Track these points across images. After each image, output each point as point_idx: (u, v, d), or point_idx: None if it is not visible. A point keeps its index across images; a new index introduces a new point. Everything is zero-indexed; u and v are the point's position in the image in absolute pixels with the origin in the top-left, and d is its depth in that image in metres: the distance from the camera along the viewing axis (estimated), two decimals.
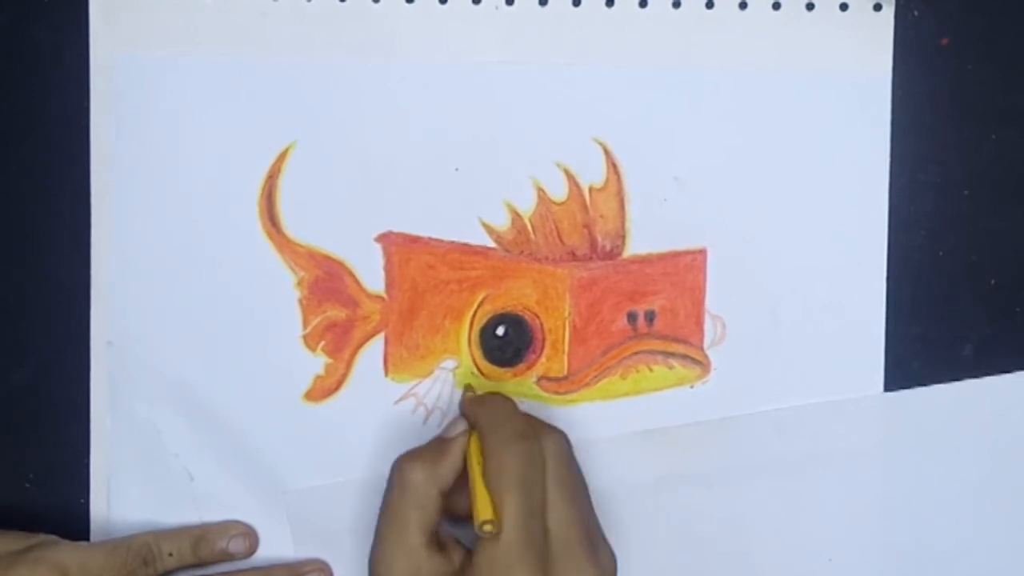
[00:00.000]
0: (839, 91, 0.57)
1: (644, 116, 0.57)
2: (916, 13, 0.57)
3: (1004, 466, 0.58)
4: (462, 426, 0.53)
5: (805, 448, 0.57)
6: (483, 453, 0.51)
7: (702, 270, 0.57)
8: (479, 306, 0.57)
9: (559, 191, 0.57)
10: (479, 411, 0.53)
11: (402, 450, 0.57)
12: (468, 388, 0.56)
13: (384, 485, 0.56)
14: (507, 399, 0.54)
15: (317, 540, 0.57)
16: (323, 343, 0.57)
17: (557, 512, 0.50)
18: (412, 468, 0.51)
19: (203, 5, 0.56)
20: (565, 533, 0.50)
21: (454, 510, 0.52)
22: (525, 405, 0.57)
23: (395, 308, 0.57)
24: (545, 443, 0.51)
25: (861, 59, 0.57)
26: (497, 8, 0.56)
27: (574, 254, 0.57)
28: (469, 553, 0.51)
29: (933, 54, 0.57)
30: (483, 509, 0.49)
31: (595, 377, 0.57)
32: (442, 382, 0.57)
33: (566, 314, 0.57)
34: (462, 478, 0.52)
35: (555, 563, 0.49)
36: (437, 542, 0.51)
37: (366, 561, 0.56)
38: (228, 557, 0.57)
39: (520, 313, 0.57)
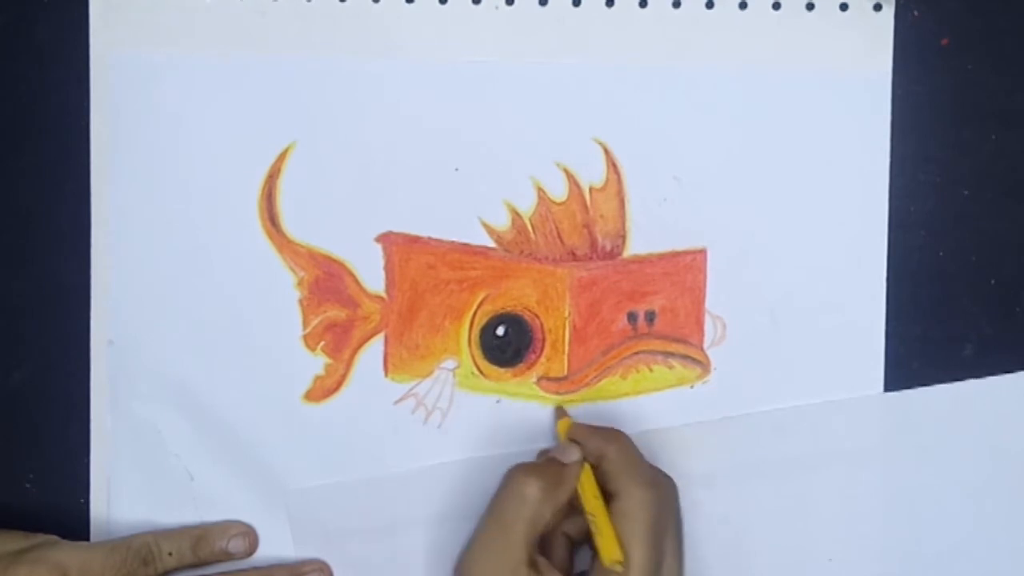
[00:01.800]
0: (839, 91, 0.57)
1: (644, 116, 0.57)
2: (916, 13, 0.57)
3: (1004, 466, 0.58)
4: (577, 455, 0.53)
5: (805, 448, 0.57)
6: (607, 490, 0.52)
7: (702, 270, 0.57)
8: (479, 306, 0.57)
9: (559, 191, 0.57)
10: (602, 446, 0.53)
11: (402, 450, 0.57)
12: (561, 411, 0.56)
13: (383, 485, 0.57)
14: (627, 437, 0.54)
15: (317, 540, 0.57)
16: (323, 343, 0.57)
17: (670, 562, 0.52)
18: (531, 483, 0.52)
19: (203, 5, 0.56)
20: None
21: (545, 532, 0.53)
22: (526, 405, 0.57)
23: (395, 308, 0.57)
24: (667, 492, 0.53)
25: (861, 59, 0.57)
26: (497, 8, 0.56)
27: (574, 254, 0.57)
28: None
29: (933, 54, 0.57)
30: (612, 548, 0.51)
31: (595, 377, 0.57)
32: (442, 382, 0.57)
33: (566, 314, 0.57)
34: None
35: None
36: (534, 562, 0.51)
37: (366, 561, 0.57)
38: (228, 557, 0.57)
39: (520, 313, 0.57)
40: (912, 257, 0.57)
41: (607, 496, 0.52)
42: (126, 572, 0.54)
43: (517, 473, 0.52)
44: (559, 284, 0.57)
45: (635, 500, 0.51)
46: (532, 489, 0.51)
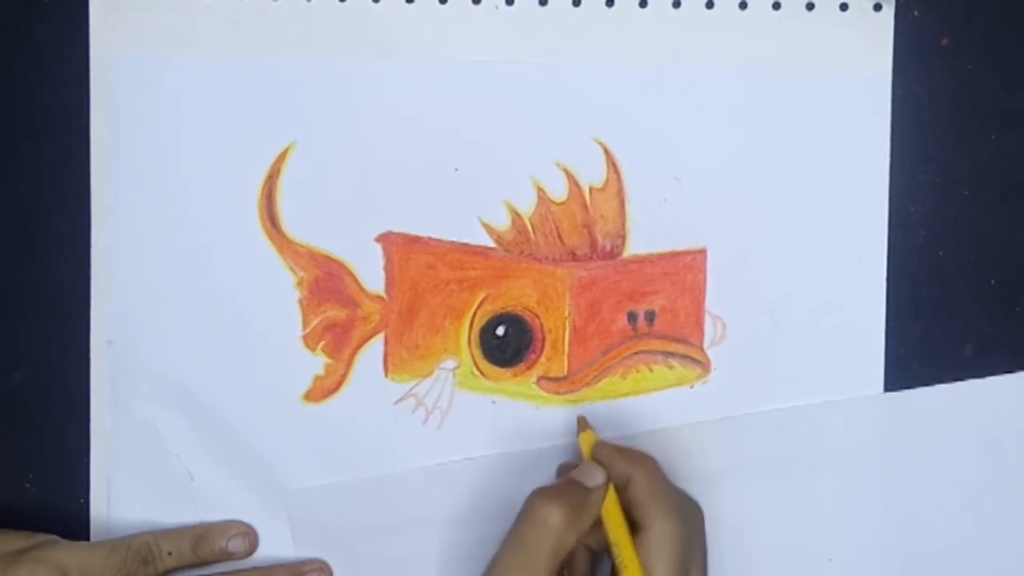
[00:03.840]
0: (839, 91, 0.57)
1: (644, 116, 0.57)
2: (916, 13, 0.57)
3: (1004, 466, 0.58)
4: (601, 478, 0.52)
5: (805, 448, 0.57)
6: (632, 517, 0.51)
7: (702, 270, 0.57)
8: (479, 306, 0.57)
9: (559, 191, 0.57)
10: (631, 471, 0.52)
11: (402, 450, 0.57)
12: (583, 422, 0.55)
13: (383, 485, 0.57)
14: (656, 462, 0.53)
15: (317, 540, 0.57)
16: (323, 343, 0.57)
17: None
18: (554, 510, 0.50)
19: (203, 5, 0.56)
20: None
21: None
22: (525, 405, 0.57)
23: (395, 308, 0.57)
24: (696, 522, 0.52)
25: (861, 59, 0.57)
26: (497, 8, 0.56)
27: (574, 254, 0.57)
28: None
29: (933, 54, 0.57)
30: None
31: (595, 377, 0.57)
32: (442, 382, 0.57)
33: (566, 314, 0.57)
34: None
35: None
36: None
37: (366, 561, 0.57)
38: (228, 556, 0.57)
39: (520, 313, 0.57)
40: (912, 257, 0.57)
41: (631, 523, 0.51)
42: (126, 572, 0.54)
43: (540, 499, 0.51)
44: (559, 284, 0.57)
45: (663, 533, 0.50)
46: (555, 517, 0.50)
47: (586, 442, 0.54)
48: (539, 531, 0.50)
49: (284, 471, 0.57)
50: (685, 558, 0.50)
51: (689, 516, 0.52)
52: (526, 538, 0.50)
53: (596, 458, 0.53)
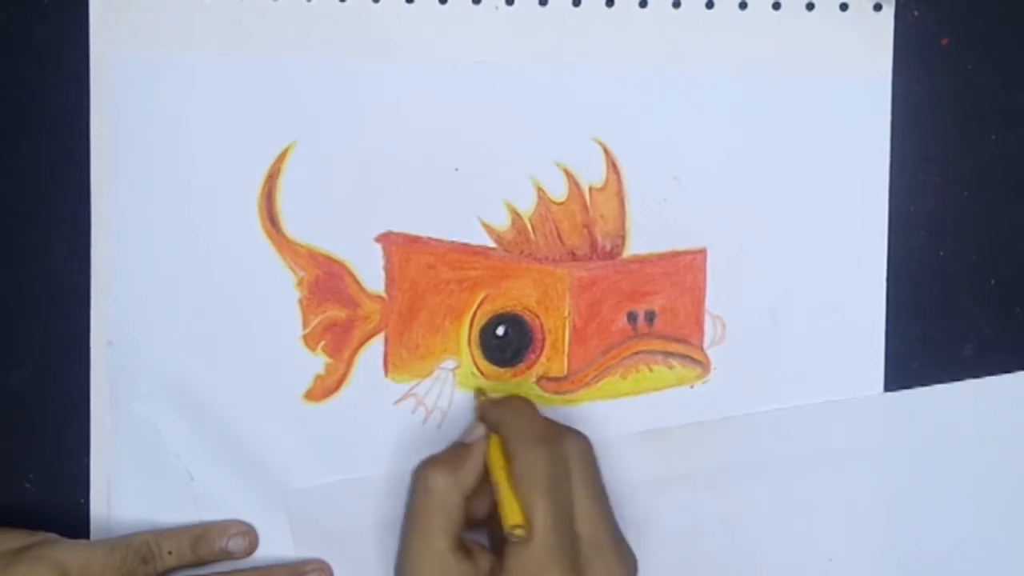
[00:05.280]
0: (839, 91, 0.57)
1: (644, 116, 0.57)
2: (916, 13, 0.57)
3: (1004, 466, 0.58)
4: (481, 430, 0.53)
5: (805, 448, 0.57)
6: (508, 457, 0.51)
7: (702, 270, 0.57)
8: (479, 306, 0.57)
9: (559, 191, 0.57)
10: (500, 414, 0.53)
11: (402, 450, 0.57)
12: (480, 392, 0.56)
13: (383, 485, 0.57)
14: (527, 401, 0.54)
15: (317, 540, 0.57)
16: (323, 343, 0.57)
17: (585, 514, 0.50)
18: (435, 474, 0.51)
19: (203, 5, 0.56)
20: (593, 535, 0.50)
21: (473, 515, 0.52)
22: None
23: (395, 308, 0.57)
24: (569, 445, 0.51)
25: (861, 59, 0.57)
26: (497, 8, 0.56)
27: (574, 254, 0.57)
28: (495, 557, 0.51)
29: (933, 54, 0.57)
30: (512, 513, 0.49)
31: (595, 377, 0.57)
32: (442, 382, 0.57)
33: (566, 314, 0.57)
34: (481, 483, 0.52)
35: (585, 565, 0.50)
36: (462, 547, 0.51)
37: (366, 561, 0.57)
38: (228, 556, 0.57)
39: (520, 313, 0.57)
40: (912, 257, 0.57)
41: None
42: (126, 571, 0.55)
43: (421, 467, 0.52)
44: (559, 284, 0.57)
45: (530, 458, 0.50)
46: (434, 479, 0.51)
47: (478, 405, 0.55)
48: (422, 496, 0.51)
49: (284, 471, 0.57)
50: (557, 481, 0.50)
51: (560, 442, 0.51)
52: (414, 506, 0.51)
53: (479, 416, 0.54)
